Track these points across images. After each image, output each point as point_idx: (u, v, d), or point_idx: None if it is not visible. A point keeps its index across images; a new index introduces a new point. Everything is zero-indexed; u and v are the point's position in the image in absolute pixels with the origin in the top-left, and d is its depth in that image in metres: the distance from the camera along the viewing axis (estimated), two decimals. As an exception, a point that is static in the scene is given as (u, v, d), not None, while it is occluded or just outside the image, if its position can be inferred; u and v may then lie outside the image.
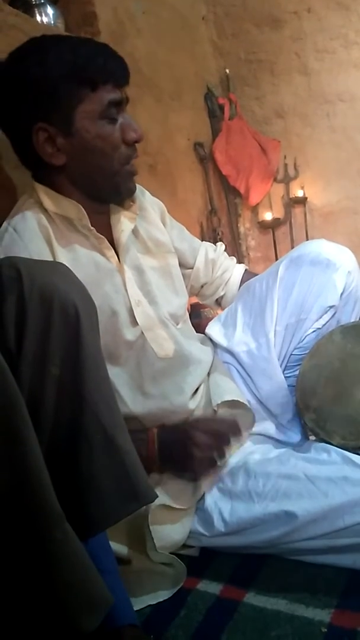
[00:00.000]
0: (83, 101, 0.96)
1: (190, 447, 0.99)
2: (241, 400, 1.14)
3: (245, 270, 1.38)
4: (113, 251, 1.05)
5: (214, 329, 1.26)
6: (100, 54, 0.98)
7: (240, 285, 1.33)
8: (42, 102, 0.95)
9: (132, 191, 1.07)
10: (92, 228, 1.01)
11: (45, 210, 1.01)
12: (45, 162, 0.99)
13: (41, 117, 0.96)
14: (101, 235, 1.03)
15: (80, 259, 1.01)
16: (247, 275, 1.35)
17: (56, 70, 0.95)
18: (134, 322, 1.05)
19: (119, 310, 1.03)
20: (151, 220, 1.17)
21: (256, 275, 1.39)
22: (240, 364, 1.20)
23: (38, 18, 1.48)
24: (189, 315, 1.28)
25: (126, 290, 1.05)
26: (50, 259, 0.97)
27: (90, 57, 0.97)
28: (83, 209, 1.00)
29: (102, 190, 1.04)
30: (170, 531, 1.00)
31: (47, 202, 1.01)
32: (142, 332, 1.05)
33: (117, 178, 1.03)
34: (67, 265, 0.96)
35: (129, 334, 1.04)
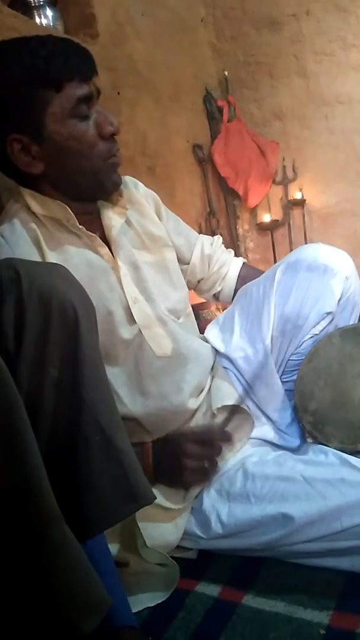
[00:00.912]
0: (50, 104, 0.93)
1: (181, 458, 1.00)
2: (241, 405, 1.13)
3: (244, 263, 1.35)
4: (107, 249, 1.04)
5: (211, 333, 1.25)
6: (60, 52, 0.94)
7: (238, 280, 1.31)
8: (9, 113, 0.93)
9: (117, 184, 1.05)
10: (80, 227, 1.00)
11: (33, 214, 1.00)
12: (24, 172, 0.97)
13: (11, 127, 0.93)
14: (92, 233, 1.02)
15: (72, 259, 0.99)
16: (246, 269, 1.33)
17: (17, 76, 0.92)
18: (131, 320, 1.04)
19: (115, 309, 1.03)
20: (146, 214, 1.15)
21: (255, 268, 1.38)
22: (237, 369, 1.20)
23: (37, 20, 1.48)
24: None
25: (122, 287, 1.04)
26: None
27: (50, 56, 0.93)
28: (70, 210, 0.99)
29: (85, 190, 1.02)
30: (163, 531, 1.00)
31: (34, 205, 0.99)
32: (140, 331, 1.05)
33: (100, 174, 1.01)
34: None
35: (126, 333, 1.03)
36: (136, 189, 1.16)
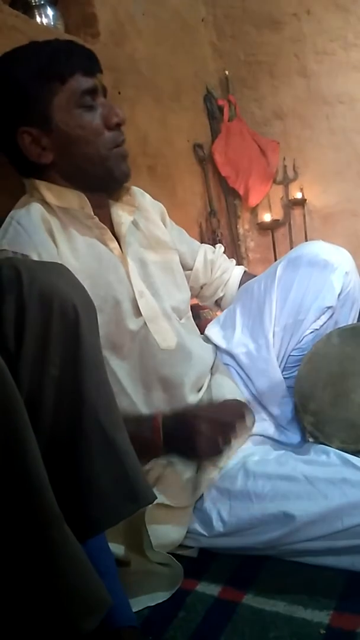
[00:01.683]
0: (56, 95, 0.99)
1: (196, 433, 0.99)
2: (242, 400, 1.14)
3: (245, 271, 1.38)
4: (116, 243, 1.07)
5: (213, 331, 1.26)
6: (63, 50, 1.00)
7: (239, 287, 1.34)
8: (18, 107, 0.99)
9: (126, 174, 1.07)
10: (94, 217, 1.03)
11: (47, 205, 1.02)
12: (36, 164, 1.01)
13: (21, 121, 0.99)
14: (104, 226, 1.05)
15: (84, 249, 1.02)
16: (246, 277, 1.36)
17: (24, 73, 0.98)
18: (137, 312, 1.06)
19: (123, 300, 1.04)
20: (152, 219, 1.18)
21: (255, 276, 1.39)
22: (239, 365, 1.21)
23: (38, 19, 1.48)
24: (189, 316, 1.28)
25: (130, 281, 1.06)
26: (53, 251, 0.98)
27: (53, 53, 0.99)
28: (85, 197, 1.02)
29: (95, 179, 1.05)
30: (167, 530, 1.00)
31: (49, 196, 1.02)
32: (145, 323, 1.06)
33: (108, 163, 1.04)
34: (70, 256, 0.98)
35: (132, 324, 1.05)
36: (143, 198, 1.20)
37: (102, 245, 1.05)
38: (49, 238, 0.99)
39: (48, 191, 1.02)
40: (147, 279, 1.10)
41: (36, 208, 1.01)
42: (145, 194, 1.22)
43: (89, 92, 1.01)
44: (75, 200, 1.02)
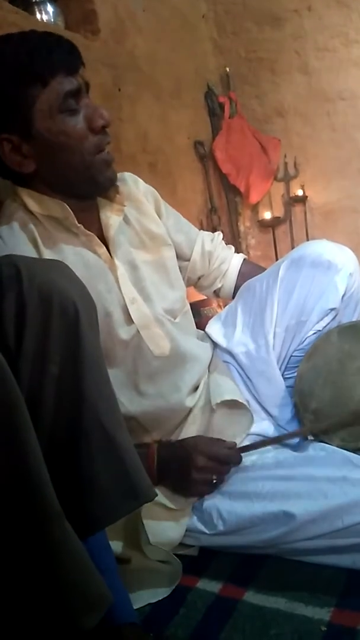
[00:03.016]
0: (37, 100, 0.91)
1: (190, 470, 0.99)
2: (240, 400, 1.13)
3: (244, 259, 1.35)
4: (104, 248, 1.03)
5: (213, 328, 1.26)
6: (43, 46, 0.92)
7: (238, 276, 1.31)
8: None
9: (112, 180, 1.03)
10: (79, 225, 0.99)
11: (31, 213, 0.99)
12: (17, 172, 0.96)
13: (1, 127, 0.93)
14: (90, 232, 1.01)
15: (70, 258, 0.98)
16: (246, 265, 1.33)
17: (1, 75, 0.91)
18: (129, 320, 1.04)
19: (113, 309, 1.02)
20: (145, 211, 1.13)
21: (256, 265, 1.38)
22: (239, 364, 1.20)
23: (38, 16, 1.48)
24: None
25: (119, 288, 1.03)
26: None
27: (33, 51, 0.91)
28: (68, 207, 0.97)
29: (79, 186, 1.00)
30: (166, 528, 1.00)
31: (32, 204, 0.98)
32: (138, 331, 1.04)
33: (92, 170, 0.98)
34: None
35: (124, 333, 1.03)
36: (136, 186, 1.15)
37: (90, 252, 1.02)
38: (33, 250, 0.96)
39: (30, 199, 0.98)
40: (138, 283, 1.07)
41: (17, 218, 0.98)
42: (139, 180, 1.16)
43: (72, 94, 0.94)
44: (58, 209, 0.98)
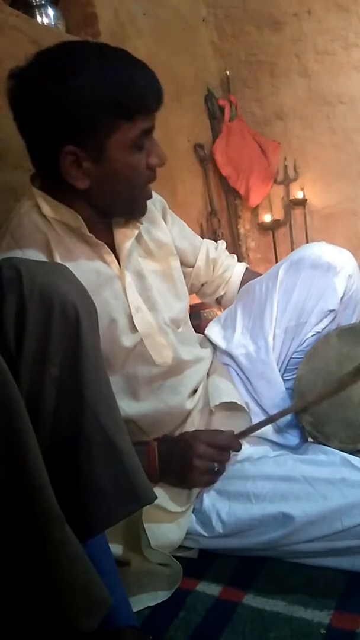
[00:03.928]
0: (118, 131, 0.92)
1: (191, 458, 1.00)
2: (239, 403, 1.13)
3: (246, 269, 1.36)
4: (113, 256, 1.03)
5: (213, 331, 1.26)
6: (140, 78, 0.93)
7: (240, 285, 1.32)
8: (73, 125, 0.91)
9: (144, 213, 1.05)
10: (91, 235, 0.99)
11: (43, 216, 0.99)
12: (67, 183, 0.95)
13: (71, 139, 0.91)
14: (100, 242, 1.01)
15: (80, 265, 0.98)
16: (248, 274, 1.34)
17: (93, 94, 0.89)
18: (133, 328, 1.04)
19: (118, 317, 1.02)
20: (154, 220, 1.14)
21: (257, 274, 1.38)
22: (238, 366, 1.20)
23: (39, 19, 1.48)
24: (189, 316, 1.27)
25: (126, 296, 1.04)
26: None
27: (130, 82, 0.91)
28: (81, 219, 0.98)
29: (115, 211, 1.02)
30: (166, 531, 1.00)
31: (46, 209, 0.98)
32: (142, 339, 1.05)
33: (135, 202, 1.02)
34: None
35: (127, 341, 1.03)
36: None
37: (99, 260, 1.02)
38: (44, 253, 0.97)
39: (44, 203, 0.98)
40: (144, 292, 1.07)
41: (30, 220, 0.98)
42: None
43: (147, 132, 0.95)
44: (71, 218, 0.98)
